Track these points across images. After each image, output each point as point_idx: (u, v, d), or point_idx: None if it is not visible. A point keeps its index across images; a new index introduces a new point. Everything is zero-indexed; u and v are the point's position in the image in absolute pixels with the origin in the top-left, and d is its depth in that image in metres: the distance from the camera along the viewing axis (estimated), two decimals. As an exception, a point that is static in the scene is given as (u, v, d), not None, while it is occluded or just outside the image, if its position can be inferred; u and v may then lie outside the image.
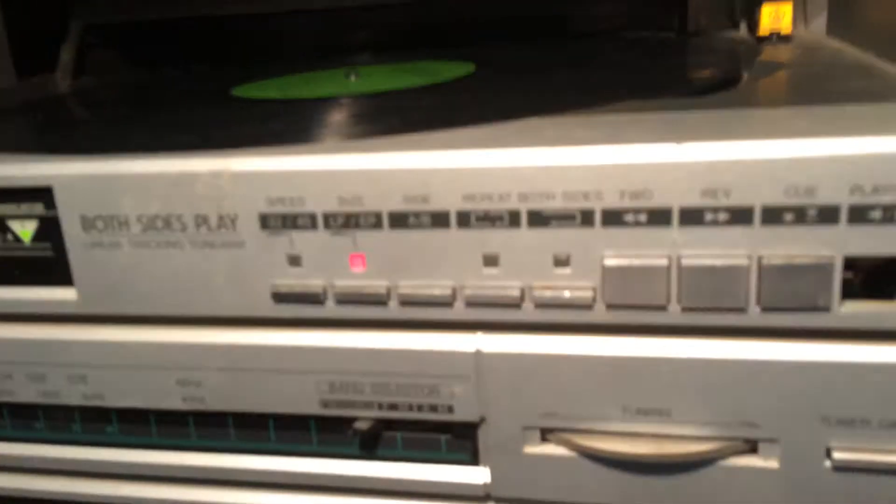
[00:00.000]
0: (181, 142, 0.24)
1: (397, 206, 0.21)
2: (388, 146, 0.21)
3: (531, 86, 0.31)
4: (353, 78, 0.39)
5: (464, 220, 0.20)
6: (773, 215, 0.18)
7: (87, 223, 0.23)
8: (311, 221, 0.21)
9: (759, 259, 0.19)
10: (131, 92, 0.41)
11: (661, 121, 0.21)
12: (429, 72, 0.39)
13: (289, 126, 0.26)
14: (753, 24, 0.37)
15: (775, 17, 0.34)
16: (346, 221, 0.21)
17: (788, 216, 0.18)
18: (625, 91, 0.26)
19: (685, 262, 0.19)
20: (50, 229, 0.23)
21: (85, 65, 0.50)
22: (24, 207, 0.24)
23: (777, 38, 0.34)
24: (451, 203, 0.20)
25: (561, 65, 0.37)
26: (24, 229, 0.24)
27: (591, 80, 0.30)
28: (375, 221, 0.21)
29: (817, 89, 0.24)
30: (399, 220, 0.21)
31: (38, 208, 0.23)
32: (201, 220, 0.22)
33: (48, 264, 0.24)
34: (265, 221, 0.22)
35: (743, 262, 0.19)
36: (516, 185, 0.20)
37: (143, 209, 0.22)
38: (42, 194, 0.23)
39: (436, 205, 0.20)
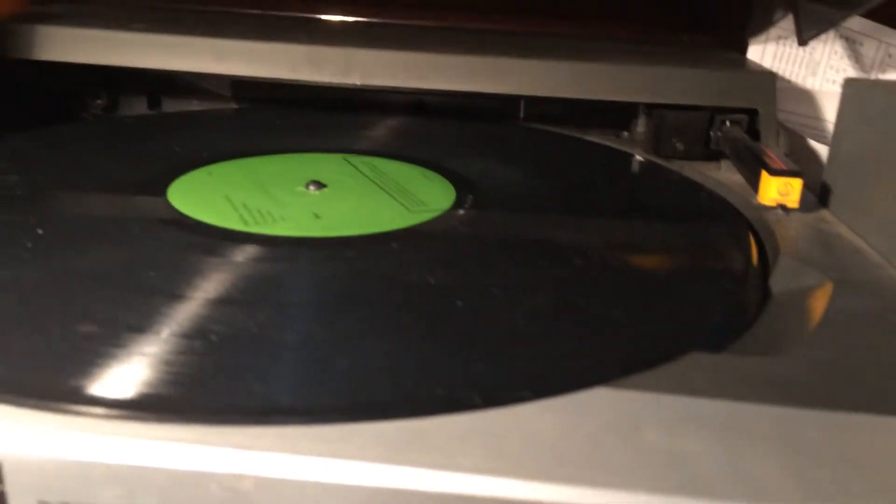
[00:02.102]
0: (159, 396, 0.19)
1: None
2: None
3: (541, 269, 0.28)
4: (312, 190, 0.34)
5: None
6: None
7: (45, 510, 0.17)
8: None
9: None
10: (43, 195, 0.33)
11: (778, 428, 0.18)
12: (402, 192, 0.34)
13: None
14: (751, 180, 0.35)
15: (784, 191, 0.32)
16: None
17: None
18: (675, 341, 0.23)
19: None
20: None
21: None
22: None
23: (782, 209, 0.33)
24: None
25: (548, 222, 0.33)
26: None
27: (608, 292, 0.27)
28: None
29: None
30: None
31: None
32: (209, 524, 0.17)
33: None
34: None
35: None
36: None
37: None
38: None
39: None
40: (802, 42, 0.38)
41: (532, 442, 0.18)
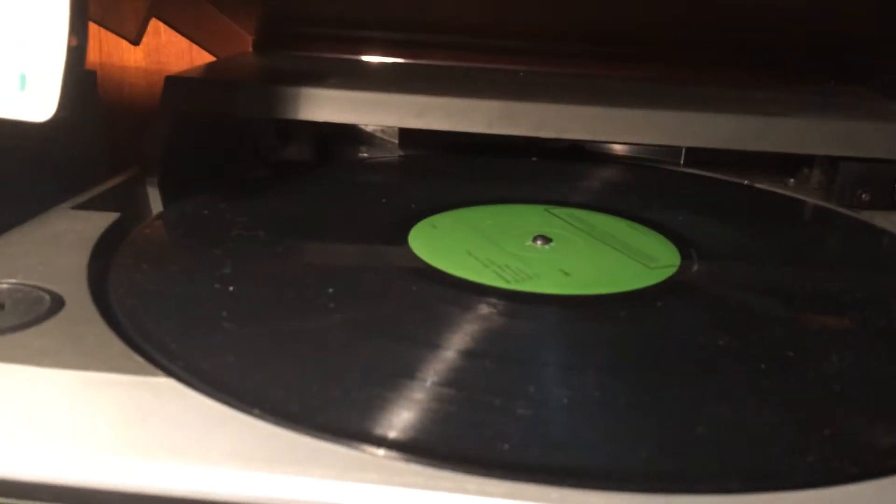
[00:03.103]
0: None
1: None
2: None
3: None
4: (540, 244, 0.36)
5: None
6: None
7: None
8: None
9: None
10: (293, 248, 0.35)
11: None
12: (625, 246, 0.36)
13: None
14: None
15: None
16: None
17: None
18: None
19: None
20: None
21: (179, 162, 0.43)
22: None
23: None
24: None
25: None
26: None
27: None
28: None
29: None
30: None
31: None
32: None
33: None
34: None
35: None
36: None
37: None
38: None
39: None
40: None
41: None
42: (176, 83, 0.43)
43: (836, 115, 0.43)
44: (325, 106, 0.42)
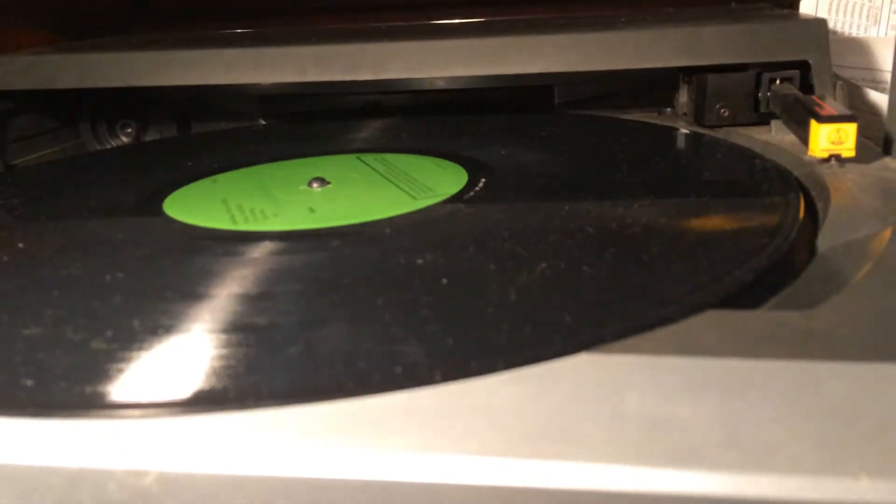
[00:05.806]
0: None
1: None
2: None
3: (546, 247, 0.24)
4: (315, 187, 0.32)
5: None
6: None
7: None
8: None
9: None
10: (34, 198, 0.33)
11: (793, 385, 0.15)
12: (410, 181, 0.32)
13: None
14: (802, 136, 0.31)
15: (837, 139, 0.28)
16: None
17: None
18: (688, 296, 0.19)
19: None
20: None
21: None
22: None
23: (837, 160, 0.29)
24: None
25: (562, 182, 0.31)
26: None
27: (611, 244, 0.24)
28: None
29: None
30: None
31: None
32: (116, 533, 0.15)
33: None
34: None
35: None
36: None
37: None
38: None
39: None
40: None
41: (491, 416, 0.15)
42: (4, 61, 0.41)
43: (690, 24, 0.38)
44: (133, 69, 0.40)
